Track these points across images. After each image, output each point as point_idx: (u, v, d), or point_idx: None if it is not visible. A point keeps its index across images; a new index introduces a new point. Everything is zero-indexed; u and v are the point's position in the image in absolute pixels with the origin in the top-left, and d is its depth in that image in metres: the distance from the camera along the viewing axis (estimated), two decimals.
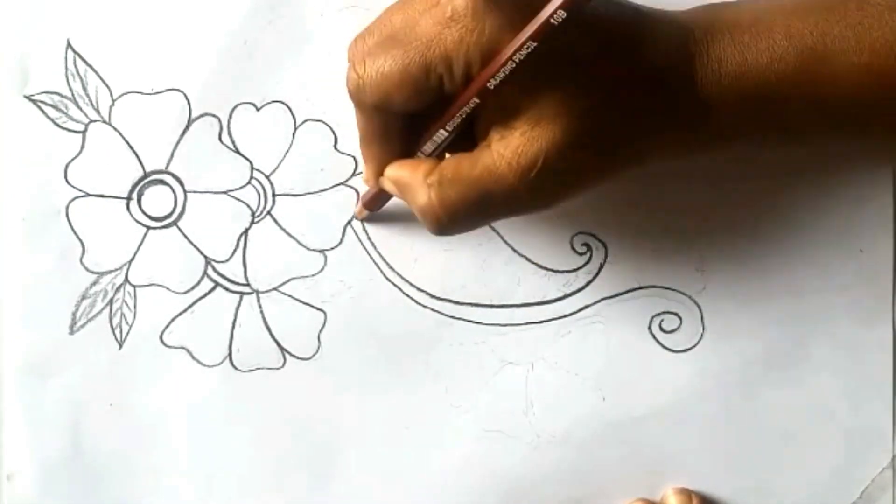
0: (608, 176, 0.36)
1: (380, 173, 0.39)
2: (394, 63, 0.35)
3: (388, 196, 0.41)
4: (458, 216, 0.36)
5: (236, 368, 0.43)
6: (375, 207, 0.42)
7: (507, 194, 0.35)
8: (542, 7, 0.32)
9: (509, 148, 0.34)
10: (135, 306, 0.43)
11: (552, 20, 0.32)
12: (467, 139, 0.37)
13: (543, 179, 0.35)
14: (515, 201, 0.35)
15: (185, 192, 0.43)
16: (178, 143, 0.43)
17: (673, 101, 0.35)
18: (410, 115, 0.37)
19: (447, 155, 0.37)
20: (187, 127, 0.43)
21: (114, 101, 0.43)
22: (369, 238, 0.43)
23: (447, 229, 0.37)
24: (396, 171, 0.38)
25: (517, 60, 0.33)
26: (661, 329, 0.43)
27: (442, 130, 0.36)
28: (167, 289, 0.43)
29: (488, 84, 0.34)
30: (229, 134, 0.43)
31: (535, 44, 0.33)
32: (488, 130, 0.36)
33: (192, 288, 0.43)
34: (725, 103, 0.35)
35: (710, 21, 0.36)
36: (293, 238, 0.43)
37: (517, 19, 0.33)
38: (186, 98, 0.43)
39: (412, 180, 0.37)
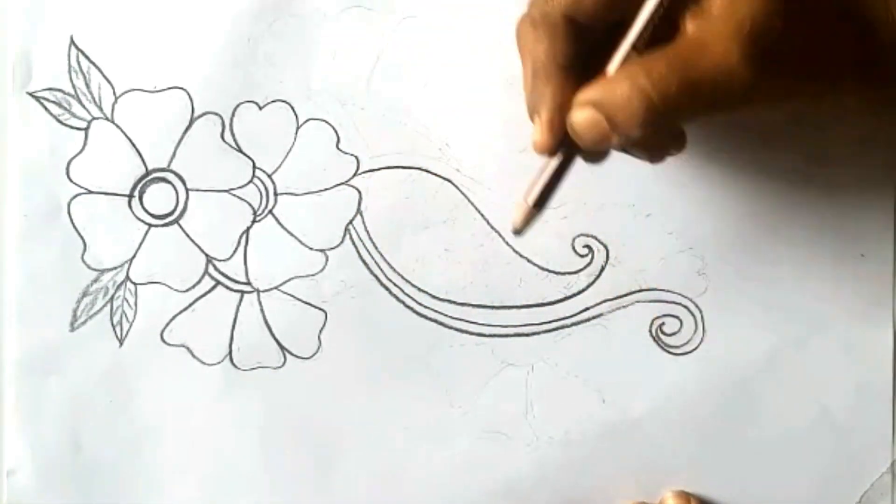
0: (812, 61, 0.34)
1: (559, 123, 0.35)
2: None
3: (559, 178, 0.36)
4: (676, 102, 0.33)
5: (236, 367, 0.43)
6: (549, 197, 0.36)
7: (724, 71, 0.33)
8: None
9: (714, 24, 0.33)
10: (135, 304, 0.43)
11: None
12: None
13: (754, 48, 0.33)
14: (731, 77, 0.33)
15: (186, 190, 0.43)
16: (180, 140, 0.43)
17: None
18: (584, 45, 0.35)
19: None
20: (190, 125, 0.43)
21: (116, 98, 0.43)
22: (371, 238, 0.43)
23: (661, 117, 0.34)
24: (593, 92, 0.34)
25: None
26: (662, 331, 0.43)
27: (635, 29, 0.34)
28: (168, 287, 0.43)
29: None
30: (232, 132, 0.43)
31: None
32: (677, 26, 0.34)
33: (193, 286, 0.43)
34: None
35: None
36: (294, 237, 0.43)
37: None
38: (189, 96, 0.43)
39: (615, 89, 0.34)
